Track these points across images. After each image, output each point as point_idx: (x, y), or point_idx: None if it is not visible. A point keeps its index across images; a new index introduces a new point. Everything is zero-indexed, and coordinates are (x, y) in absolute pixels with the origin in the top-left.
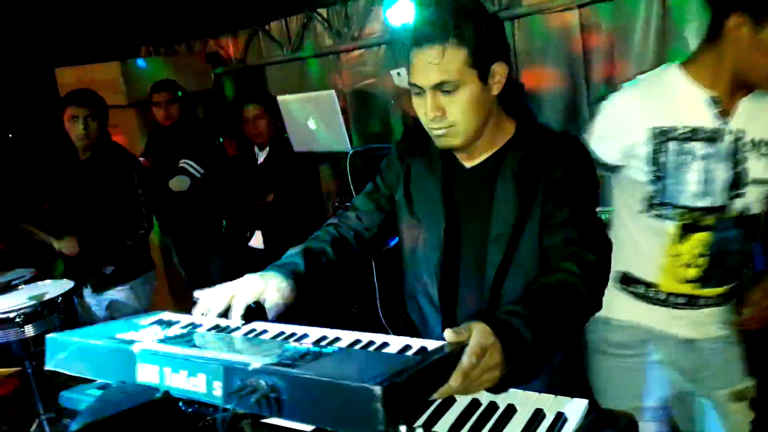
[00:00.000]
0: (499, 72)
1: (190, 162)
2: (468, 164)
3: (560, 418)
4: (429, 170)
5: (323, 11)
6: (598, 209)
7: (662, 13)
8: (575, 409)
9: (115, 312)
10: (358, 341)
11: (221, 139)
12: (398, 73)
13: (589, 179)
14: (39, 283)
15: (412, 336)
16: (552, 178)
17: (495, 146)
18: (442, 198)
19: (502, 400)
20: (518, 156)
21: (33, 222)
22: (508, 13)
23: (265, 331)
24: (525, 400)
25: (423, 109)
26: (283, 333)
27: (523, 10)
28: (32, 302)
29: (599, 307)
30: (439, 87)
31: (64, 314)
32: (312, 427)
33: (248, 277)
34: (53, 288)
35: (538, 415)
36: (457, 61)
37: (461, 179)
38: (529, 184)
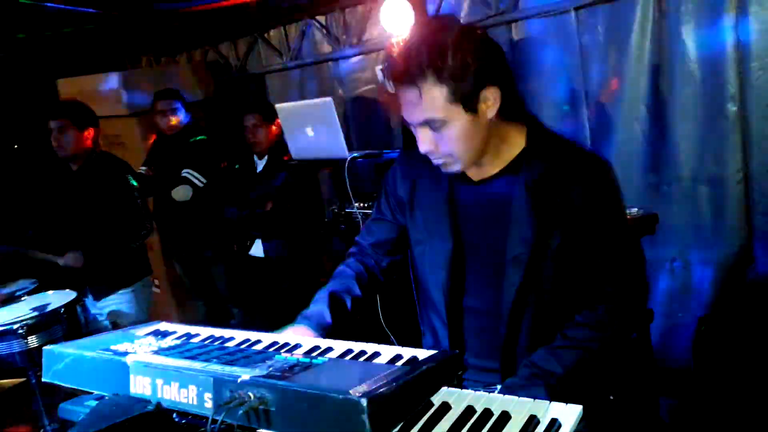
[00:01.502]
0: (490, 97)
1: (193, 172)
2: (476, 178)
3: (554, 424)
4: (435, 185)
5: (322, 18)
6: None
7: (658, 15)
8: (569, 415)
9: (116, 318)
10: (349, 351)
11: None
12: (381, 70)
13: (612, 197)
14: (41, 294)
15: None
16: (572, 198)
17: (505, 159)
18: (449, 215)
19: (497, 406)
20: (533, 171)
21: (31, 243)
22: (504, 17)
23: (258, 342)
24: (519, 407)
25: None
26: (276, 344)
27: (520, 13)
28: (35, 313)
29: (629, 335)
30: (426, 124)
31: (67, 324)
32: None
33: (283, 336)
34: (56, 298)
35: (532, 422)
36: (439, 99)
37: (470, 194)
38: (547, 203)
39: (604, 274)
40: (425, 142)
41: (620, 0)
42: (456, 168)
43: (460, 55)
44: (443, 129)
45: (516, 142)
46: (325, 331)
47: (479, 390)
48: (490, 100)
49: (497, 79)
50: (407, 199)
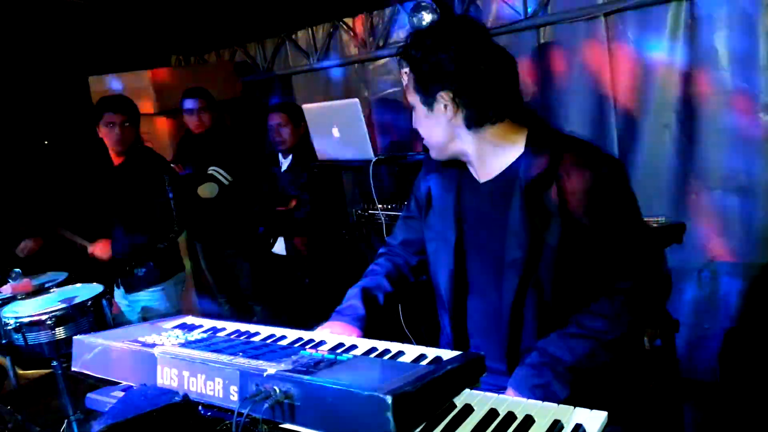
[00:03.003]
0: (445, 100)
1: (219, 169)
2: (481, 179)
3: (578, 430)
4: (446, 186)
5: (349, 20)
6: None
7: (690, 21)
8: (594, 420)
9: (146, 313)
10: (373, 349)
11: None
12: (406, 72)
13: (615, 190)
14: (70, 286)
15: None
16: (570, 192)
17: (505, 161)
18: (454, 216)
19: (521, 410)
20: (530, 171)
21: (68, 226)
22: (533, 22)
23: (283, 338)
24: (544, 411)
25: None
26: (301, 339)
27: (549, 18)
28: (63, 305)
29: (642, 328)
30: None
31: (94, 317)
32: None
33: (320, 332)
34: (84, 291)
35: (555, 426)
36: (409, 85)
37: (475, 195)
38: (544, 203)
39: (618, 268)
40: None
41: (651, 5)
42: (431, 153)
43: (429, 53)
44: (414, 113)
45: (516, 144)
46: (361, 323)
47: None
48: (446, 104)
49: (458, 86)
50: (424, 201)
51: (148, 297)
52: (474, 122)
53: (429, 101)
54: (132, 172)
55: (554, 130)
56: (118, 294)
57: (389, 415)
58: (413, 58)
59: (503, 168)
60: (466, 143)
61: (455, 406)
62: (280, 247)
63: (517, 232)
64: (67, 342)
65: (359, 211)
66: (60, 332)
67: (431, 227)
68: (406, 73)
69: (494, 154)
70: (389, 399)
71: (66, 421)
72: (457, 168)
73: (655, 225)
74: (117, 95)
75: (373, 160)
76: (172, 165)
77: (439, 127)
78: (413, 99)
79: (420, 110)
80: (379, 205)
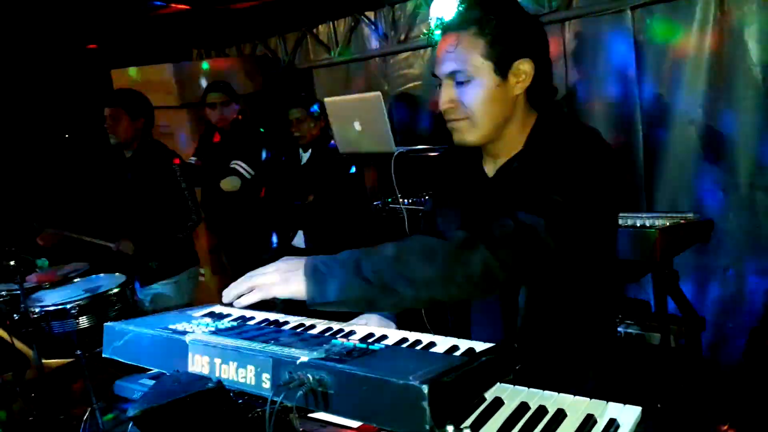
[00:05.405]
0: (524, 70)
1: (242, 163)
2: (490, 172)
3: (612, 425)
4: (454, 182)
5: (370, 14)
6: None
7: (719, 15)
8: (628, 416)
9: (158, 305)
10: (404, 340)
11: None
12: (452, 43)
13: (591, 163)
14: (93, 276)
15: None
16: (553, 170)
17: (514, 149)
18: (460, 212)
19: (552, 404)
20: (528, 159)
21: (86, 223)
22: (558, 15)
23: (313, 327)
24: (576, 406)
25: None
26: (330, 329)
27: (574, 12)
28: (87, 294)
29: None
30: (452, 77)
31: (118, 306)
32: (359, 423)
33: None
34: (107, 281)
35: (589, 421)
36: (473, 51)
37: (484, 189)
38: (536, 187)
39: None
40: (446, 98)
41: None
42: (470, 137)
43: (509, 18)
44: (468, 85)
45: (524, 133)
46: (396, 316)
47: None
48: (522, 75)
49: (536, 57)
50: (435, 196)
51: (160, 289)
52: (535, 99)
53: (504, 70)
54: (141, 165)
55: (565, 118)
56: (135, 286)
57: (425, 404)
58: (489, 20)
59: (509, 158)
60: (512, 124)
61: (485, 399)
62: (299, 240)
63: None
64: (91, 331)
65: (380, 204)
66: (84, 321)
67: (440, 226)
68: (452, 44)
69: (511, 143)
70: (425, 388)
71: (89, 409)
72: (464, 164)
73: (682, 222)
74: (120, 89)
75: (395, 152)
76: (193, 159)
77: (502, 102)
78: (475, 68)
79: (486, 82)
80: (401, 198)
